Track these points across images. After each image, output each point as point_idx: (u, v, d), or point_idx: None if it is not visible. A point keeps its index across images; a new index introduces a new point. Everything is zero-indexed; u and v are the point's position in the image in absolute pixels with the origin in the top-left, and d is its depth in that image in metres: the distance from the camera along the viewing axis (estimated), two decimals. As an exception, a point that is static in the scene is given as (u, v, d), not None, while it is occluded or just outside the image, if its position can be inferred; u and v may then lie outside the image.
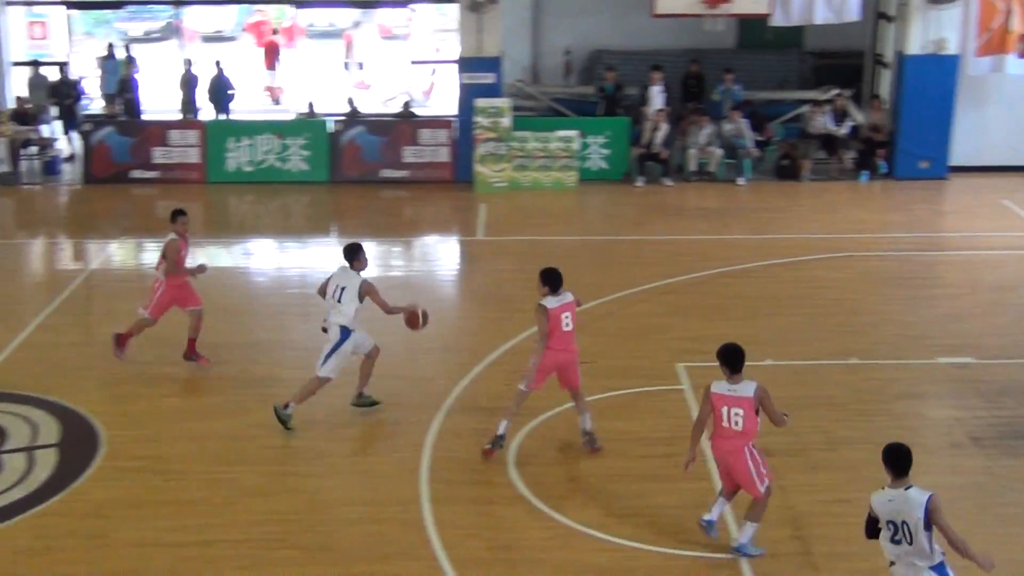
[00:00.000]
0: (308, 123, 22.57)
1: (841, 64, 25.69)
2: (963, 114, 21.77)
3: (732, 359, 9.94)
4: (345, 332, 12.18)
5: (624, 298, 16.03)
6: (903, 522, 8.11)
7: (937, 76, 21.39)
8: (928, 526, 8.06)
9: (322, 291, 12.36)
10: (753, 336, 14.00)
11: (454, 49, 22.11)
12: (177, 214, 13.58)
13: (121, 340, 13.67)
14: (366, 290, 12.10)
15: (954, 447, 11.99)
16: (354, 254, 12.26)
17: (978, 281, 16.72)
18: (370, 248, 18.29)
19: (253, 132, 22.01)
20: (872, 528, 8.41)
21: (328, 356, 12.21)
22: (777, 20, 21.01)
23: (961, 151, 21.94)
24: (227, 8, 32.91)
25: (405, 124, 22.07)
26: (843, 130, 22.19)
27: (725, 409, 9.87)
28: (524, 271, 17.06)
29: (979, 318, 15.23)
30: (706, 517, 10.22)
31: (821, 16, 20.97)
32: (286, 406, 12.21)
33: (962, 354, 14.10)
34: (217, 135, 22.14)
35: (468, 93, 21.38)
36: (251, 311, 15.78)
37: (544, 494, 11.03)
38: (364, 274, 12.30)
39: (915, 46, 21.38)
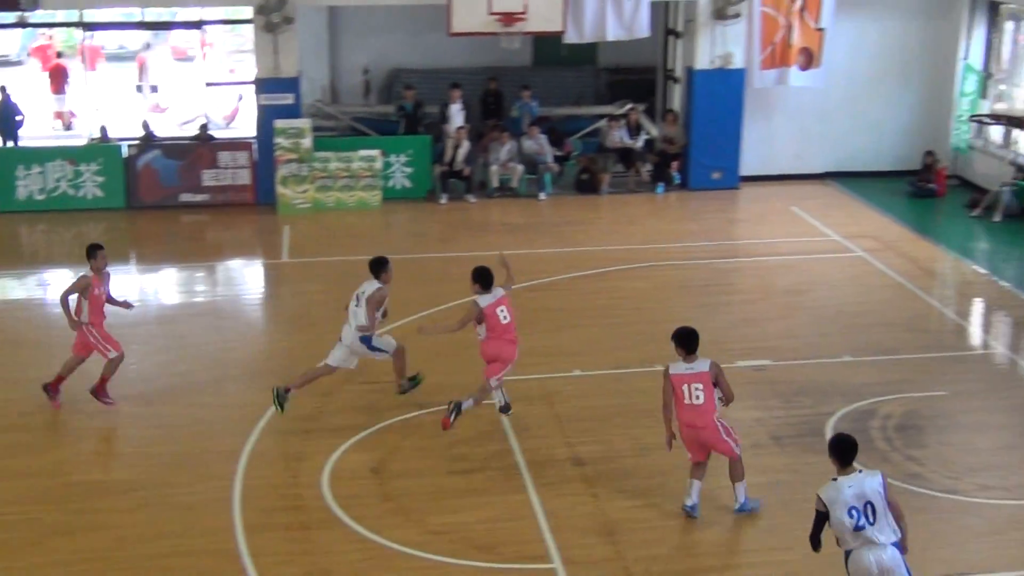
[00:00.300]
0: (101, 148, 21.91)
1: (634, 79, 26.43)
2: (751, 125, 22.56)
3: (688, 341, 10.83)
4: (366, 341, 12.85)
5: (434, 315, 16.08)
6: (866, 503, 8.48)
7: (725, 89, 22.11)
8: (888, 500, 8.50)
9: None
10: (560, 347, 14.27)
11: (251, 70, 21.78)
12: (94, 249, 13.12)
13: (99, 390, 13.18)
14: (369, 296, 12.68)
15: (756, 447, 12.40)
16: (381, 267, 12.92)
17: (771, 286, 17.36)
18: (172, 275, 18.15)
19: (43, 159, 21.22)
20: (819, 531, 8.69)
21: (334, 350, 12.92)
22: (571, 37, 21.39)
23: (750, 161, 22.73)
24: (10, 32, 31.62)
25: (203, 147, 21.64)
26: (638, 143, 22.77)
27: (685, 387, 10.76)
28: (331, 293, 17.03)
29: (773, 321, 15.83)
30: (688, 503, 10.99)
31: (613, 33, 21.44)
32: (287, 390, 12.75)
33: (759, 357, 14.64)
34: (6, 163, 21.28)
35: (267, 114, 21.12)
36: (47, 344, 15.19)
37: (360, 516, 10.99)
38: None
39: (703, 61, 22.04)
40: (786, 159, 23.13)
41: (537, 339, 15.19)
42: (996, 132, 21.82)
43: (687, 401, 10.80)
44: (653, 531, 10.84)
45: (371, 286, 12.81)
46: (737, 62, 21.99)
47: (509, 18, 20.22)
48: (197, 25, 23.43)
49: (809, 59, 21.98)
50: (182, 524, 10.94)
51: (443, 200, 21.60)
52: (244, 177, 21.44)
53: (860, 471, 8.69)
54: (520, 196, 21.96)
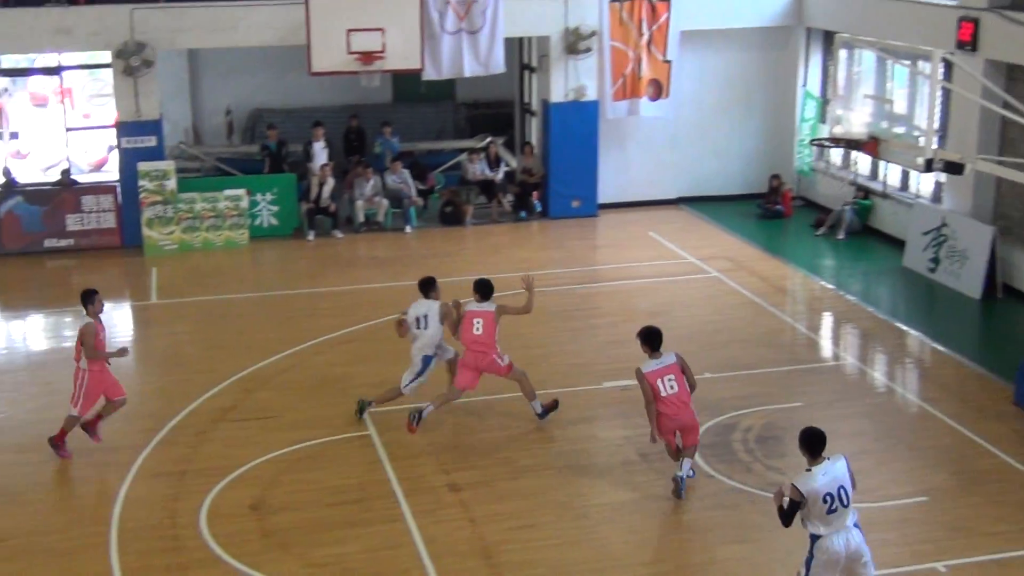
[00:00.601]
0: (-40, 197, 21.54)
1: (493, 113, 26.94)
2: (606, 155, 23.24)
3: (653, 339, 12.03)
4: (427, 360, 13.61)
5: (305, 350, 16.24)
6: (839, 488, 9.06)
7: (580, 121, 22.73)
8: (854, 482, 9.22)
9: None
10: (433, 376, 14.52)
11: (112, 114, 21.69)
12: (91, 294, 13.00)
13: (58, 441, 13.01)
14: (441, 314, 13.52)
15: (626, 464, 12.88)
16: (430, 286, 13.69)
17: (633, 308, 17.87)
18: (39, 321, 17.96)
19: (-101, 209, 20.81)
20: (792, 516, 9.13)
21: (412, 381, 13.66)
22: (429, 74, 21.79)
23: (607, 189, 23.38)
24: None
25: (66, 192, 21.44)
26: (499, 175, 23.29)
27: (660, 381, 11.82)
28: (201, 332, 17.12)
29: (636, 343, 16.24)
30: (679, 473, 11.98)
31: (469, 69, 21.92)
32: (370, 403, 13.82)
33: (625, 377, 14.94)
34: None
35: (130, 157, 21.05)
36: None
37: (240, 553, 11.05)
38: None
39: (558, 94, 22.64)
40: (641, 186, 23.84)
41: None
42: (836, 154, 22.89)
43: (664, 394, 11.84)
44: (530, 552, 11.15)
45: (431, 306, 13.63)
46: (590, 94, 22.65)
47: (368, 57, 20.53)
48: (56, 71, 23.22)
49: (658, 90, 22.79)
50: (59, 572, 10.87)
51: (310, 237, 21.76)
52: (109, 220, 21.29)
53: (827, 459, 9.19)
54: (386, 230, 22.22)
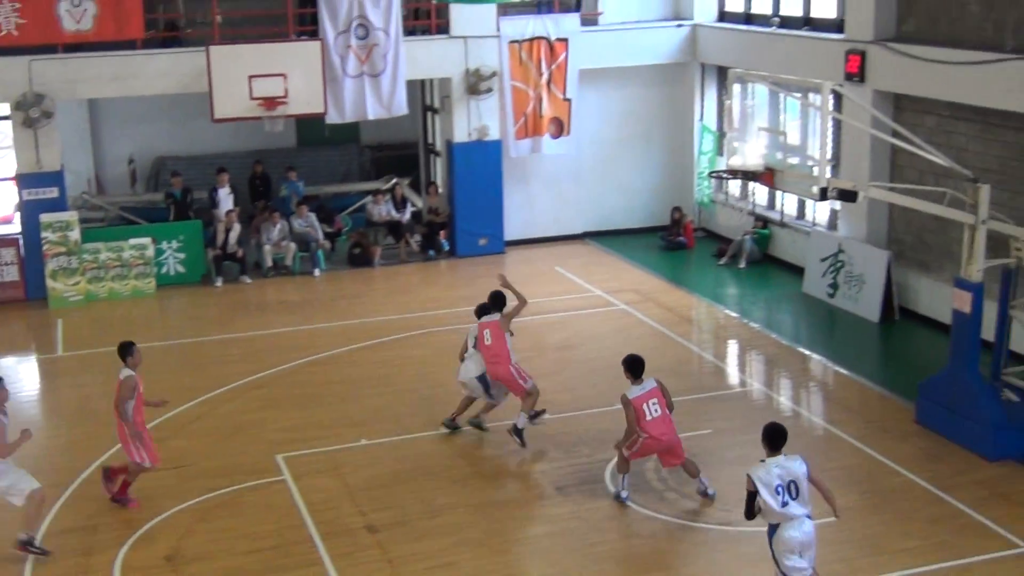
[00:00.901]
0: None
1: (397, 155, 27.10)
2: (511, 192, 23.47)
3: (636, 367, 12.57)
4: (482, 379, 14.20)
5: (216, 397, 16.14)
6: (790, 482, 9.80)
7: (484, 160, 22.96)
8: (809, 479, 9.87)
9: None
10: (346, 418, 14.57)
11: (12, 166, 21.41)
12: (129, 346, 12.80)
13: (122, 491, 13.02)
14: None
15: (542, 498, 13.02)
16: (499, 301, 14.39)
17: (543, 343, 18.05)
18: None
19: None
20: (751, 505, 9.90)
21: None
22: (332, 118, 21.86)
23: (514, 226, 23.61)
24: None
25: (-35, 246, 21.09)
26: (406, 216, 23.40)
27: (645, 405, 12.41)
28: (109, 384, 16.73)
29: (548, 376, 16.46)
30: (709, 491, 12.69)
31: (373, 112, 22.03)
32: (479, 417, 14.45)
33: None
34: None
35: (32, 209, 20.78)
36: None
37: (157, 604, 10.91)
38: None
39: (461, 134, 22.86)
40: (546, 222, 24.11)
41: (322, 412, 15.47)
42: (734, 186, 23.35)
43: (648, 418, 12.40)
44: (450, 586, 11.27)
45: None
46: (493, 134, 22.90)
47: (271, 102, 20.57)
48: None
49: (560, 128, 23.13)
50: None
51: (218, 283, 21.63)
52: (12, 273, 20.94)
53: (784, 456, 9.93)
54: (295, 274, 22.16)
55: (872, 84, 18.54)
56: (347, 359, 17.63)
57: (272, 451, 14.24)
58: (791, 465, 9.83)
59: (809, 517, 9.88)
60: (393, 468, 13.80)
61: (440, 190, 23.68)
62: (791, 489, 9.76)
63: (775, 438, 9.95)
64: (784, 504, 9.74)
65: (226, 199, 22.38)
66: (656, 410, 12.48)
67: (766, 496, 9.72)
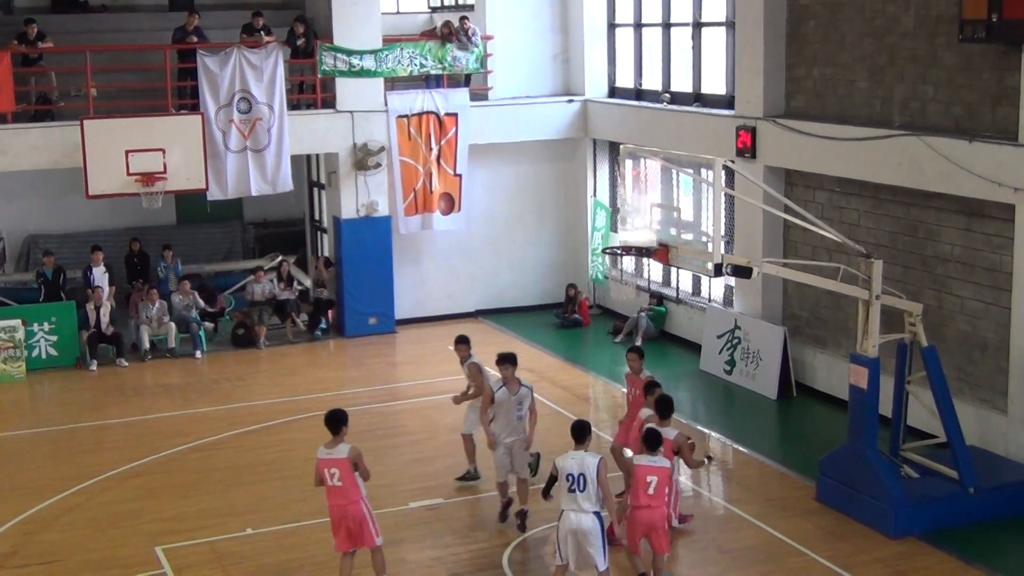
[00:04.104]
0: None
1: (282, 232, 26.64)
2: (402, 270, 23.08)
3: (651, 440, 12.21)
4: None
5: (91, 487, 15.36)
6: (580, 474, 11.19)
7: (373, 237, 22.55)
8: (599, 481, 11.19)
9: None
10: (231, 507, 13.91)
11: None
12: None
13: None
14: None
15: (437, 586, 12.55)
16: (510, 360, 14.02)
17: (436, 425, 17.64)
18: None
19: None
20: (549, 487, 11.68)
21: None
22: (214, 195, 21.30)
23: (404, 304, 23.17)
24: None
25: None
26: (292, 295, 22.79)
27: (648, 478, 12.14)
28: (-25, 475, 15.94)
29: (441, 459, 16.06)
30: None
31: (256, 188, 21.54)
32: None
33: (432, 496, 14.83)
34: None
35: None
36: None
37: None
38: None
39: (349, 210, 22.45)
40: (438, 300, 23.74)
41: (205, 501, 14.83)
42: (629, 262, 23.33)
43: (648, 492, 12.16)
44: None
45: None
46: (382, 210, 22.53)
47: (149, 178, 19.94)
48: None
49: (450, 204, 22.87)
50: None
51: (93, 367, 20.74)
52: None
53: (585, 451, 11.39)
54: (176, 356, 21.40)
55: (763, 160, 18.63)
56: (231, 444, 16.98)
57: (151, 543, 13.59)
58: (587, 459, 11.29)
59: (596, 515, 11.24)
60: (280, 559, 13.24)
61: (329, 263, 23.15)
62: (580, 481, 11.21)
63: (578, 433, 11.58)
64: (571, 490, 11.25)
65: (101, 278, 21.56)
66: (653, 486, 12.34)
67: (561, 480, 11.31)
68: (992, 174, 14.60)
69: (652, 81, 22.66)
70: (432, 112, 22.48)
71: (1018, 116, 14.45)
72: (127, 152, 19.77)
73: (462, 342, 15.26)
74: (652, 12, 22.52)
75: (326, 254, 23.88)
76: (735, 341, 19.45)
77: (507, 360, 14.08)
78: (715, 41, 20.81)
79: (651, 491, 11.89)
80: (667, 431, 12.73)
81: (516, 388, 13.92)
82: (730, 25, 19.96)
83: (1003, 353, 15.08)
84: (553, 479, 11.47)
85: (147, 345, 21.32)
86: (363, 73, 21.99)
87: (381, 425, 17.83)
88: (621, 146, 15.62)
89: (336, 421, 12.06)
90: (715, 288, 21.05)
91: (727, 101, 20.11)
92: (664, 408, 13.06)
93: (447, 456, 16.19)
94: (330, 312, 22.72)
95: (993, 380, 15.39)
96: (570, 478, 11.22)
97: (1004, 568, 12.69)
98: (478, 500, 14.77)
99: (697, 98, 21.17)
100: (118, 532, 13.98)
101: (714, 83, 20.87)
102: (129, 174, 19.85)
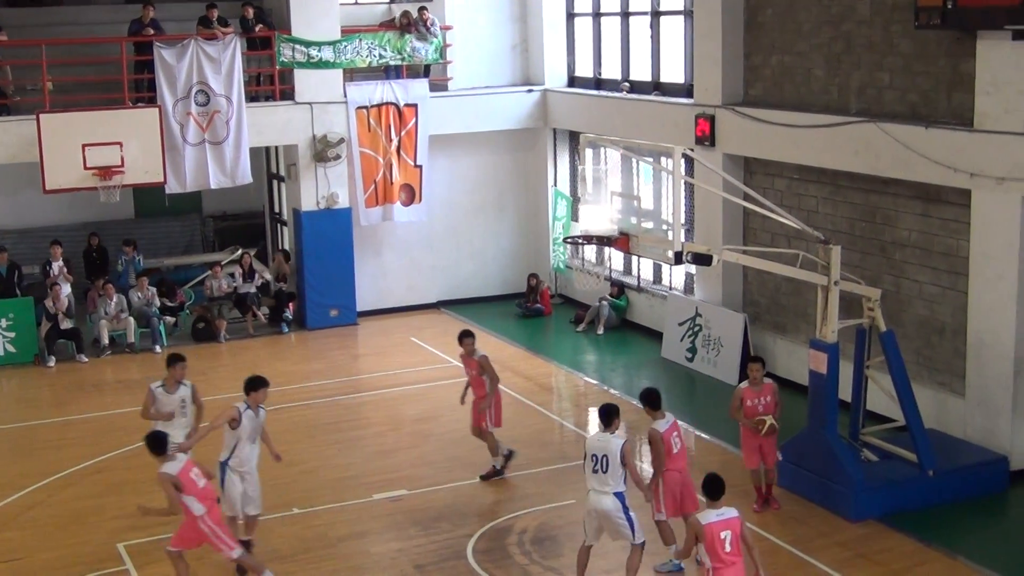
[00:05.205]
0: None
1: (243, 225, 26.46)
2: (363, 262, 22.99)
3: (714, 488, 10.63)
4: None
5: (52, 484, 15.24)
6: (603, 455, 11.34)
7: (334, 229, 22.45)
8: (622, 462, 11.31)
9: None
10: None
11: None
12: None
13: None
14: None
15: (402, 577, 12.50)
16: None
17: (400, 416, 17.61)
18: None
19: None
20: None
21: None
22: (172, 188, 21.12)
23: (366, 296, 23.10)
24: None
25: None
26: (253, 288, 22.65)
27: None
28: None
29: (406, 451, 16.04)
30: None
31: (215, 181, 21.39)
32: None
33: (396, 487, 14.81)
34: None
35: None
36: None
37: None
38: None
39: (309, 203, 22.34)
40: (400, 291, 23.67)
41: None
42: (590, 251, 23.36)
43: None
44: None
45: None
46: (343, 202, 22.44)
47: (107, 172, 19.76)
48: None
49: (411, 195, 22.81)
50: None
51: (51, 363, 20.56)
52: None
53: (612, 434, 11.49)
54: (135, 351, 21.24)
55: (722, 148, 18.70)
56: (193, 439, 16.80)
57: (114, 539, 13.51)
58: (612, 442, 11.41)
59: (616, 495, 11.34)
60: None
61: (288, 257, 23.03)
62: (603, 462, 11.34)
63: (605, 416, 11.71)
64: (594, 471, 11.42)
65: (60, 273, 21.32)
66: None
67: (587, 461, 11.52)
68: (948, 160, 14.73)
69: (611, 70, 22.69)
70: (392, 103, 22.41)
71: (973, 102, 14.58)
72: (84, 146, 19.60)
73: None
74: (611, 1, 22.57)
75: (284, 247, 23.77)
76: (696, 328, 19.53)
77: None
78: (674, 30, 20.87)
79: (728, 548, 10.11)
80: (659, 423, 12.37)
81: None
82: (688, 14, 20.02)
83: (960, 337, 15.23)
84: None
85: (106, 340, 21.16)
86: (322, 64, 21.91)
87: (345, 417, 17.80)
88: (581, 135, 15.61)
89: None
90: (676, 276, 21.13)
91: (686, 90, 20.17)
92: (649, 400, 12.57)
93: (410, 448, 16.19)
94: (291, 305, 22.60)
95: (951, 364, 15.54)
96: (594, 459, 11.41)
97: (963, 549, 12.82)
98: (443, 490, 14.73)
99: (656, 87, 21.22)
100: (80, 529, 13.88)
101: (673, 72, 20.93)
102: (86, 168, 19.68)
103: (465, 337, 14.98)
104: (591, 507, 11.53)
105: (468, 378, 15.10)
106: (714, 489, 10.32)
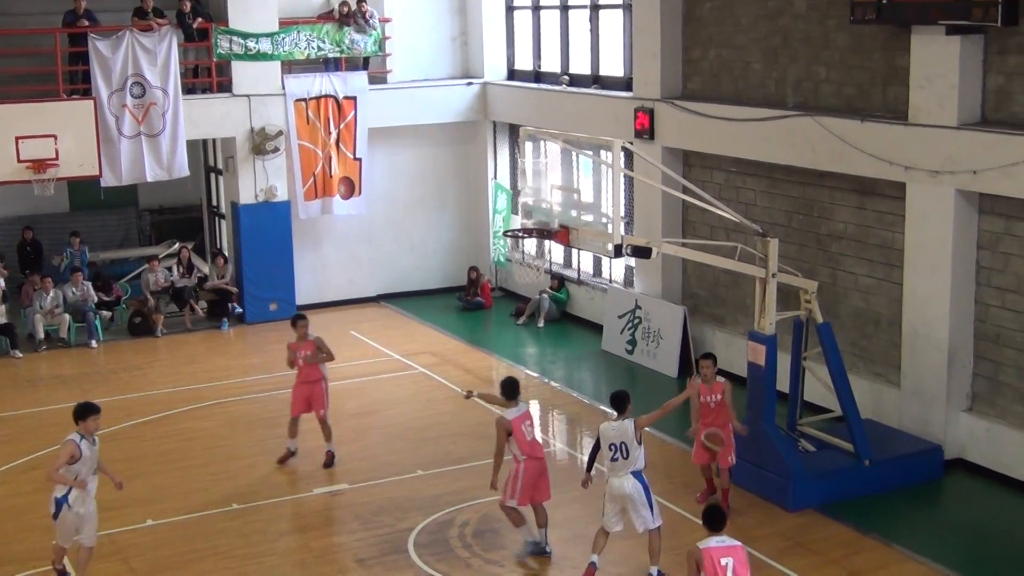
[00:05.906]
0: None
1: (180, 218, 26.19)
2: (302, 255, 22.84)
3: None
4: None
5: (-8, 479, 15.04)
6: (621, 443, 11.61)
7: (272, 222, 22.27)
8: (638, 441, 11.66)
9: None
10: (130, 498, 13.65)
11: None
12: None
13: None
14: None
15: (343, 572, 12.44)
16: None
17: (341, 409, 17.42)
18: None
19: None
20: (593, 456, 12.15)
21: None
22: (108, 181, 20.86)
23: (306, 290, 22.96)
24: None
25: None
26: (191, 282, 22.43)
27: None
28: None
29: (346, 444, 15.93)
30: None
31: (151, 174, 21.15)
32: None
33: (336, 482, 14.75)
34: None
35: None
36: None
37: None
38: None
39: (247, 196, 22.14)
40: (340, 285, 23.55)
41: (103, 492, 14.33)
42: (530, 244, 23.33)
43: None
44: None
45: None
46: (281, 195, 22.28)
47: (40, 165, 19.49)
48: None
49: (351, 188, 22.69)
50: None
51: (-17, 358, 20.28)
52: None
53: (626, 419, 11.74)
54: (71, 346, 20.95)
55: (661, 141, 18.79)
56: (129, 435, 16.68)
57: (49, 537, 13.04)
58: (624, 427, 11.68)
59: (635, 476, 11.64)
60: (181, 549, 13.04)
61: (226, 260, 22.77)
62: (622, 449, 11.60)
63: (617, 403, 11.92)
64: (614, 459, 11.65)
65: (-10, 269, 21.04)
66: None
67: (603, 449, 11.72)
68: (883, 153, 14.91)
69: (551, 63, 22.72)
70: (331, 95, 22.28)
71: (908, 96, 14.77)
72: (17, 139, 19.36)
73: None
74: (550, -6, 22.61)
75: (224, 240, 23.55)
76: (636, 321, 19.62)
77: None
78: (613, 23, 20.93)
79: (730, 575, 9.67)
80: (509, 411, 12.40)
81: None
82: (627, 7, 20.08)
83: (896, 328, 15.43)
84: (596, 447, 11.92)
85: (42, 335, 20.86)
86: (260, 56, 21.73)
87: (284, 412, 17.55)
88: (521, 129, 15.61)
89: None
90: (616, 269, 21.21)
91: (625, 83, 20.24)
92: (505, 390, 12.60)
93: (351, 442, 16.09)
94: (229, 304, 22.34)
95: (886, 355, 15.74)
96: (612, 447, 11.62)
97: (898, 537, 13.00)
98: (384, 484, 14.68)
99: (596, 80, 21.27)
100: (14, 526, 13.70)
101: (612, 65, 20.99)
102: (20, 161, 19.44)
103: (299, 320, 15.50)
104: (614, 493, 11.73)
105: (298, 366, 15.44)
106: (715, 521, 9.79)
